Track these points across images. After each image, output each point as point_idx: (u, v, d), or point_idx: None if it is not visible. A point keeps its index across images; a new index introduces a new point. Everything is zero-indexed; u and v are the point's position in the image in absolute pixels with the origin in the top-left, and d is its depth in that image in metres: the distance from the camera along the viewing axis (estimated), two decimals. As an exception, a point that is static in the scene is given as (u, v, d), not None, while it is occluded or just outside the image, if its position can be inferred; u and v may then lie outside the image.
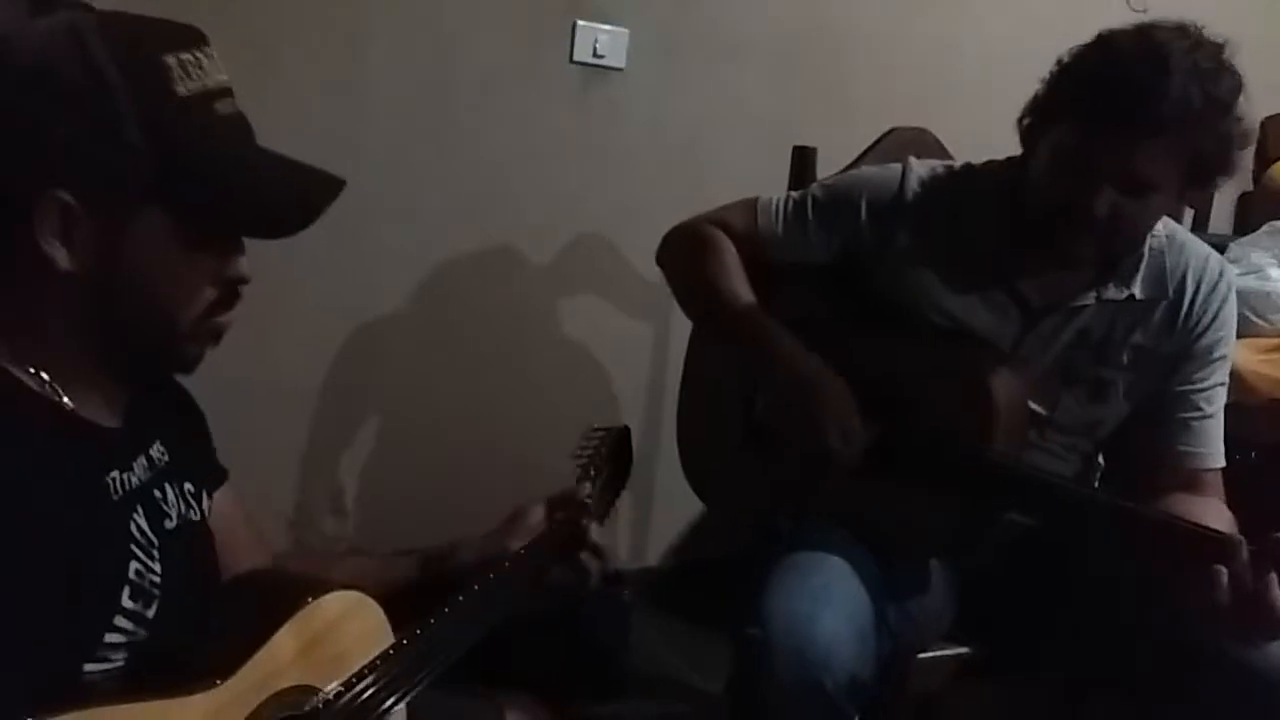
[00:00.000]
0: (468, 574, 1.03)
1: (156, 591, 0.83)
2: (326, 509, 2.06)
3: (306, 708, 0.84)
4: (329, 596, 0.88)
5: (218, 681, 0.77)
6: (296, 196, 0.84)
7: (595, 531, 1.11)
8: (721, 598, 1.40)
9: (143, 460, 0.87)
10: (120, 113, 0.75)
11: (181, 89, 0.77)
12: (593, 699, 1.87)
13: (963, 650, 1.41)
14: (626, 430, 1.26)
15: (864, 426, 1.31)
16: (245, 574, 0.94)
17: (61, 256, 0.77)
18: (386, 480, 2.10)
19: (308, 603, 0.86)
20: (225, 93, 0.81)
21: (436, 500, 2.09)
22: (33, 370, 0.80)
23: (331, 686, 0.86)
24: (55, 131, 0.75)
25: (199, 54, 0.79)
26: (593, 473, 1.16)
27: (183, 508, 0.91)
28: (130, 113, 0.75)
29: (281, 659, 0.82)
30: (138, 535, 0.83)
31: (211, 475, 1.01)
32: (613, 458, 1.21)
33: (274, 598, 0.86)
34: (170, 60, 0.77)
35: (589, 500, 1.14)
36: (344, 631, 0.88)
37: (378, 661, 0.89)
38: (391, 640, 0.92)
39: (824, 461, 1.31)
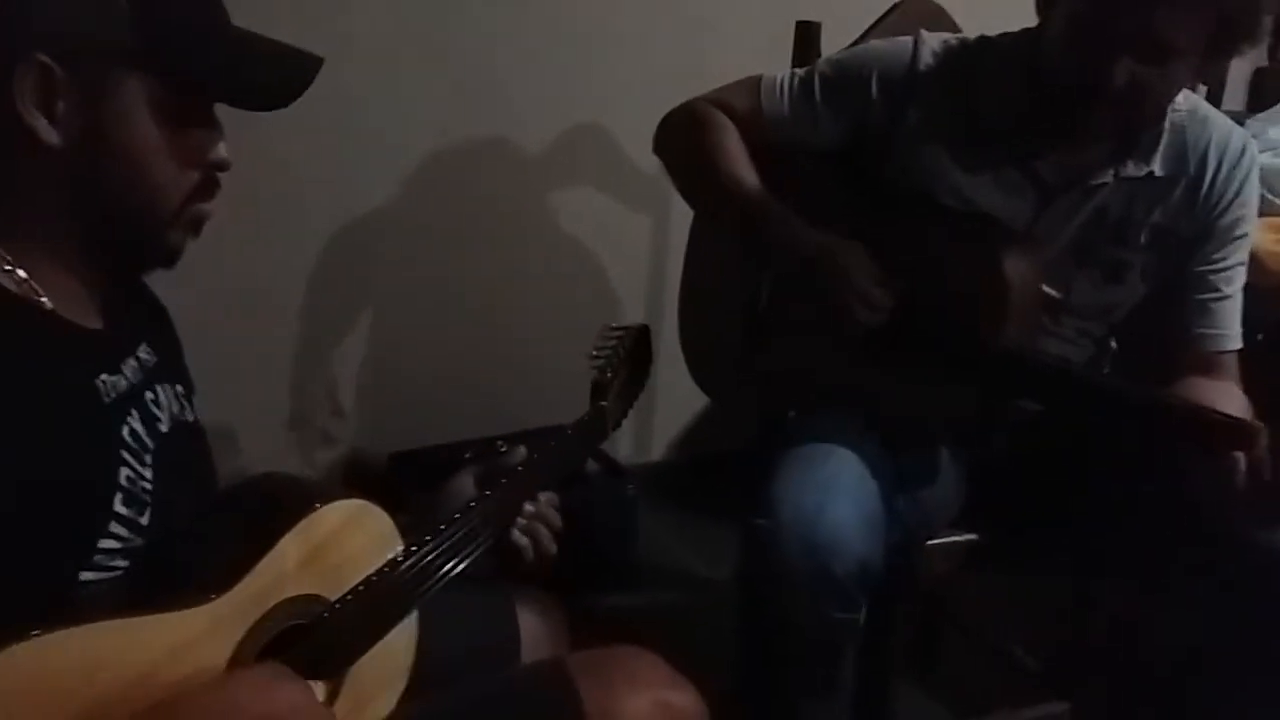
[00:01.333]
0: None
1: (148, 498, 0.81)
2: (325, 409, 2.05)
3: (312, 616, 0.83)
4: (333, 504, 0.86)
5: (214, 595, 0.75)
6: (276, 71, 0.83)
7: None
8: (727, 490, 1.40)
9: (132, 362, 0.85)
10: None
11: None
12: (600, 591, 1.89)
13: (971, 537, 1.40)
14: (645, 329, 1.23)
15: (885, 286, 1.27)
16: (247, 480, 0.92)
17: (42, 126, 0.75)
18: (384, 378, 2.08)
19: (314, 509, 0.84)
20: None
21: (435, 398, 2.08)
22: (8, 268, 0.77)
23: (338, 595, 0.84)
24: None
25: None
26: (610, 374, 1.13)
27: (176, 409, 0.89)
28: None
29: (285, 568, 0.81)
30: (129, 440, 0.81)
31: (190, 386, 0.99)
32: (631, 357, 1.18)
33: (277, 505, 0.85)
34: None
35: (605, 403, 1.11)
36: (350, 539, 0.87)
37: (385, 569, 0.88)
38: (400, 547, 0.90)
39: (847, 326, 1.28)
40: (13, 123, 0.74)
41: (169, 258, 0.85)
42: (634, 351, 1.19)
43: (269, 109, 0.82)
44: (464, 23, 1.93)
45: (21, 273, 0.77)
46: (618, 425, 1.15)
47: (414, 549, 0.90)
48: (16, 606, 0.66)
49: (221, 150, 0.83)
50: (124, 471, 0.79)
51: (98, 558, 0.77)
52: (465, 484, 1.04)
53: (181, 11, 0.79)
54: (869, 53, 1.41)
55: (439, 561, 0.92)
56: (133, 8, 0.76)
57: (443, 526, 0.93)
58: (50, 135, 0.75)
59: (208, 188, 0.84)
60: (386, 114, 1.91)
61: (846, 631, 1.25)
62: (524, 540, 1.03)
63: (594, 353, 1.15)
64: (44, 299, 0.78)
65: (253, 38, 0.84)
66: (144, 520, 0.80)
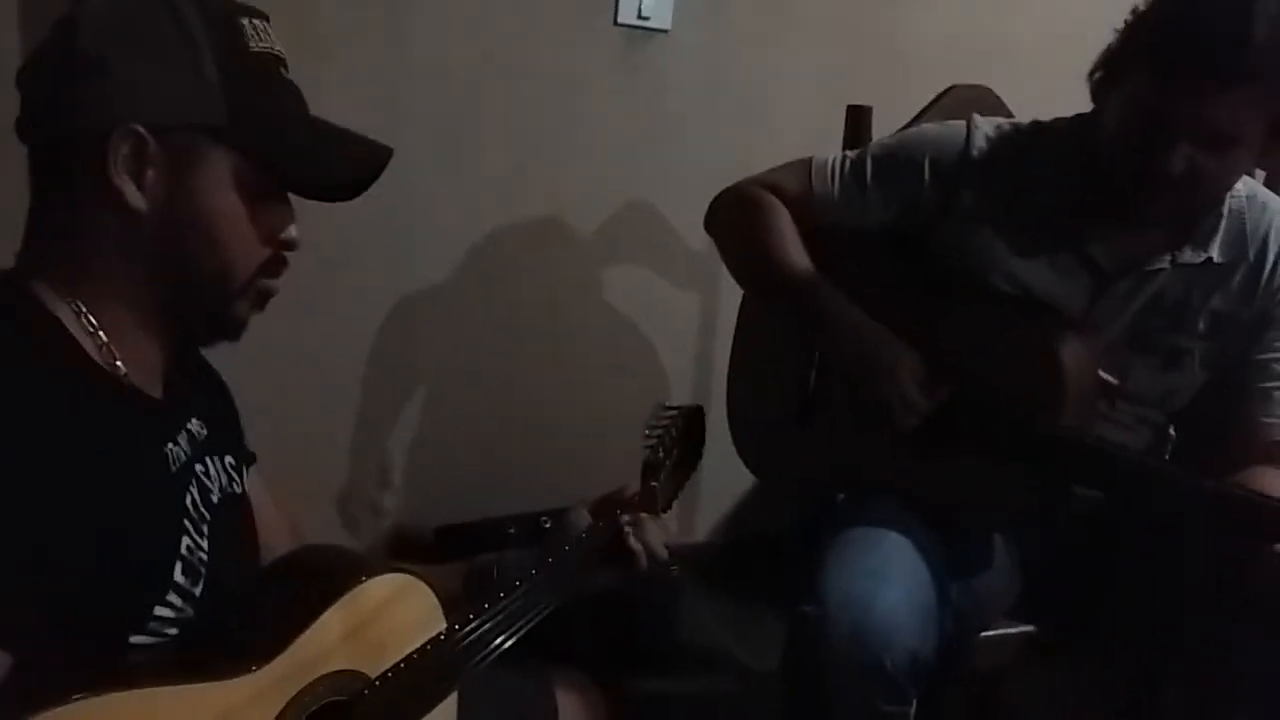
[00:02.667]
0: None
1: (203, 569, 0.82)
2: (374, 483, 2.05)
3: (352, 693, 0.82)
4: (379, 578, 0.86)
5: (254, 667, 0.76)
6: (351, 162, 0.86)
7: (648, 528, 1.08)
8: (772, 574, 1.37)
9: (185, 434, 0.87)
10: (199, 54, 0.79)
11: (254, 46, 0.82)
12: (642, 676, 1.85)
13: (1028, 629, 1.36)
14: (699, 410, 1.22)
15: (930, 391, 1.26)
16: (294, 552, 0.93)
17: (131, 191, 0.78)
18: (433, 454, 2.08)
19: (360, 582, 0.84)
20: (284, 62, 0.85)
21: (483, 474, 2.08)
22: (92, 329, 0.79)
23: (379, 672, 0.84)
24: (137, 65, 0.77)
25: (266, 24, 0.84)
26: (662, 454, 1.13)
27: (225, 481, 0.90)
28: (208, 55, 0.79)
29: (328, 642, 0.81)
30: (190, 510, 0.83)
31: (245, 455, 1.00)
32: (684, 438, 1.18)
33: (323, 578, 0.85)
34: (244, 22, 0.82)
35: (656, 484, 1.11)
36: (394, 615, 0.87)
37: (428, 647, 0.87)
38: (444, 625, 0.90)
39: (886, 426, 1.26)
40: (103, 188, 0.77)
41: (235, 330, 0.87)
42: (687, 431, 1.18)
43: (342, 199, 0.86)
44: (518, 103, 1.96)
45: (104, 336, 0.80)
46: (668, 507, 1.14)
47: (458, 627, 0.90)
48: (68, 666, 0.68)
49: (293, 231, 0.87)
50: (185, 541, 0.81)
51: (152, 624, 0.77)
52: (517, 558, 1.03)
53: (267, 94, 0.83)
54: (922, 136, 1.41)
55: (483, 641, 0.91)
56: (225, 86, 0.79)
57: (488, 605, 0.93)
58: (138, 201, 0.78)
59: (277, 265, 0.87)
60: (441, 193, 1.93)
61: (896, 725, 1.21)
62: (637, 545, 1.05)
63: (647, 431, 1.15)
64: (119, 363, 0.80)
65: (330, 126, 0.87)
66: (197, 591, 0.81)
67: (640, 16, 2.00)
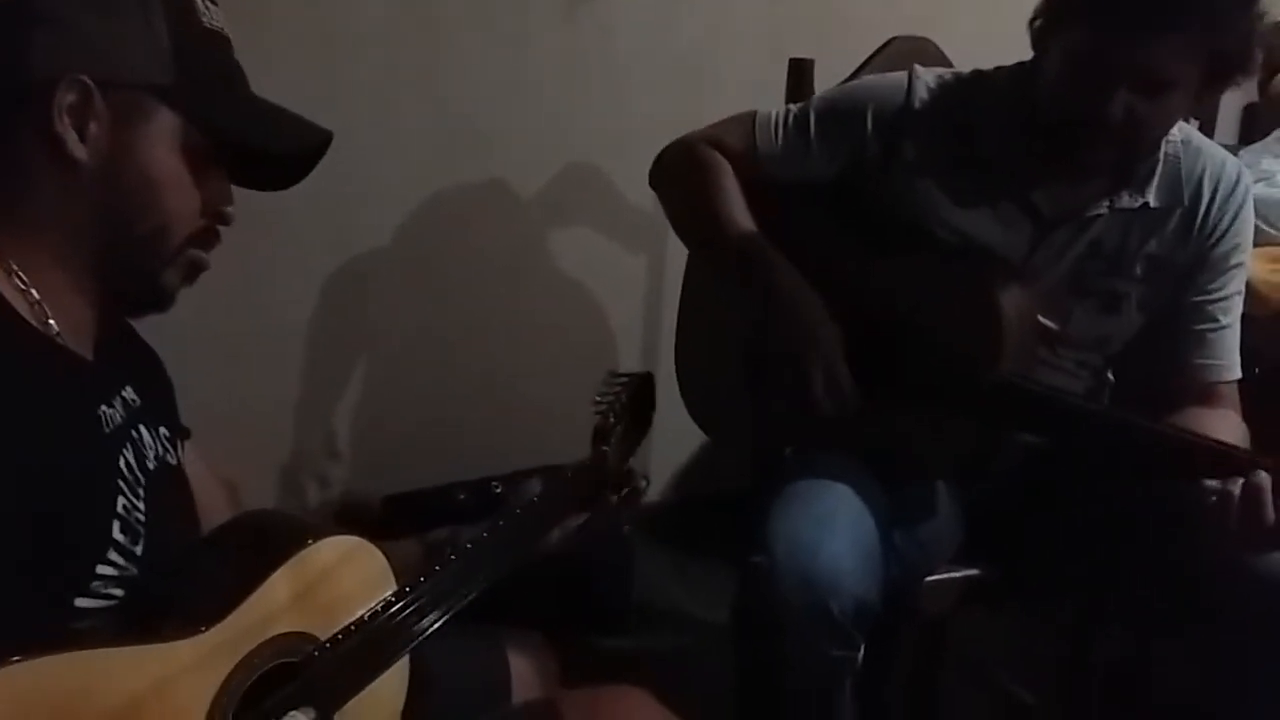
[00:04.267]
0: None
1: (141, 528, 0.81)
2: (321, 453, 2.03)
3: (301, 655, 0.81)
4: (327, 540, 0.86)
5: (202, 628, 0.75)
6: (291, 138, 0.88)
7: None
8: (724, 530, 1.38)
9: (119, 399, 0.86)
10: (152, 16, 0.80)
11: (206, 22, 0.83)
12: (595, 632, 1.86)
13: (971, 572, 1.38)
14: (649, 376, 1.22)
15: (850, 390, 1.27)
16: (239, 516, 0.92)
17: (72, 139, 0.77)
18: (380, 420, 2.07)
19: (308, 544, 0.84)
20: (231, 45, 0.86)
21: (432, 438, 2.06)
22: (22, 287, 0.78)
23: (329, 634, 0.83)
24: (89, 19, 0.78)
25: (217, 8, 0.85)
26: (612, 419, 1.13)
27: (160, 450, 0.89)
28: (161, 19, 0.80)
29: (276, 603, 0.80)
30: (126, 472, 0.82)
31: (179, 430, 0.99)
32: (633, 405, 1.17)
33: (270, 541, 0.84)
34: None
35: (607, 449, 1.10)
36: (343, 577, 0.86)
37: (378, 609, 0.86)
38: (393, 587, 0.89)
39: (810, 412, 1.28)
40: (45, 137, 0.77)
41: (163, 299, 0.86)
42: (636, 398, 1.18)
43: (278, 184, 0.89)
44: (457, 66, 1.93)
45: (35, 294, 0.79)
46: (619, 472, 1.14)
47: (408, 589, 0.89)
48: (14, 631, 0.67)
49: (229, 203, 0.87)
50: (121, 500, 0.80)
51: (95, 584, 0.77)
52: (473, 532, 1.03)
53: (214, 66, 0.85)
54: (864, 88, 1.41)
55: (433, 603, 0.90)
56: (175, 50, 0.80)
57: (438, 568, 0.92)
58: (79, 151, 0.78)
59: (209, 236, 0.87)
60: (381, 157, 1.90)
61: (844, 669, 1.23)
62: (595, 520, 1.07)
63: (597, 399, 1.15)
64: (52, 322, 0.79)
65: (273, 106, 0.88)
66: (138, 550, 0.80)
67: (581, -29, 1.98)
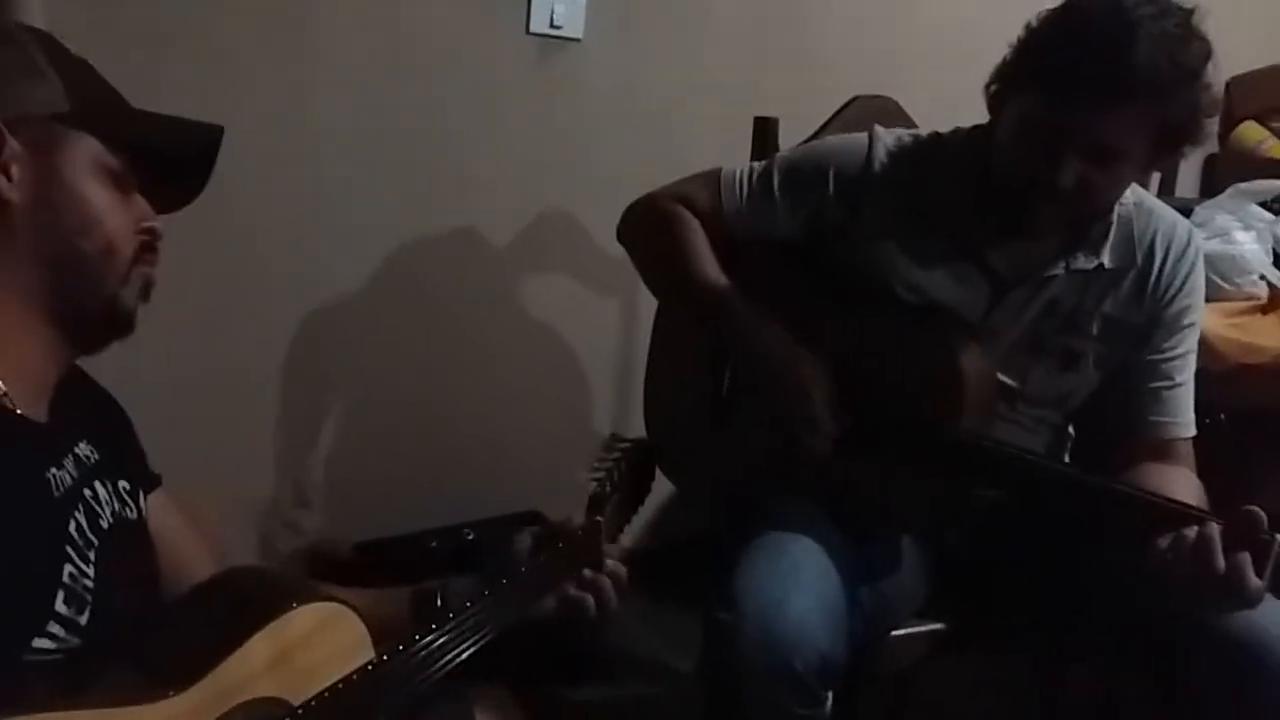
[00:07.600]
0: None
1: (88, 596, 0.80)
2: (291, 501, 2.02)
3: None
4: (308, 606, 0.85)
5: (172, 692, 0.74)
6: (189, 138, 0.93)
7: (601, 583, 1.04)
8: (692, 578, 1.38)
9: (71, 459, 0.85)
10: (32, 52, 0.84)
11: (72, 51, 0.88)
12: (564, 683, 1.85)
13: (936, 626, 1.39)
14: (653, 448, 1.20)
15: (837, 417, 1.29)
16: (221, 575, 0.91)
17: (3, 183, 0.80)
18: (353, 469, 2.06)
19: (290, 608, 0.83)
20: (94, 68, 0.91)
21: (405, 487, 2.06)
22: None
23: (303, 700, 0.82)
24: None
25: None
26: (608, 488, 1.10)
27: (117, 505, 0.89)
28: (40, 54, 0.84)
29: (253, 668, 0.80)
30: (75, 536, 0.81)
31: (145, 478, 0.98)
32: (633, 474, 1.15)
33: (251, 603, 0.84)
34: (52, 36, 0.89)
35: (600, 520, 1.07)
36: (321, 643, 0.85)
37: (353, 676, 0.85)
38: (371, 655, 0.88)
39: (793, 449, 1.29)
40: None
41: (125, 322, 0.88)
42: (636, 467, 1.14)
43: (189, 193, 0.95)
44: (431, 111, 1.95)
45: None
46: (613, 541, 1.11)
47: (385, 658, 0.88)
48: None
49: (154, 217, 0.91)
50: (68, 568, 0.79)
51: (30, 656, 0.75)
52: (461, 584, 1.02)
53: (98, 86, 0.90)
54: (825, 148, 1.44)
55: (411, 672, 0.89)
56: (63, 81, 0.84)
57: (417, 637, 0.91)
58: (11, 192, 0.80)
59: (149, 252, 0.90)
60: (354, 203, 1.91)
61: (810, 727, 1.23)
62: (587, 598, 1.02)
63: (594, 464, 1.11)
64: (0, 384, 0.79)
65: (160, 114, 0.92)
66: (83, 620, 0.79)
67: (553, 25, 2.01)
